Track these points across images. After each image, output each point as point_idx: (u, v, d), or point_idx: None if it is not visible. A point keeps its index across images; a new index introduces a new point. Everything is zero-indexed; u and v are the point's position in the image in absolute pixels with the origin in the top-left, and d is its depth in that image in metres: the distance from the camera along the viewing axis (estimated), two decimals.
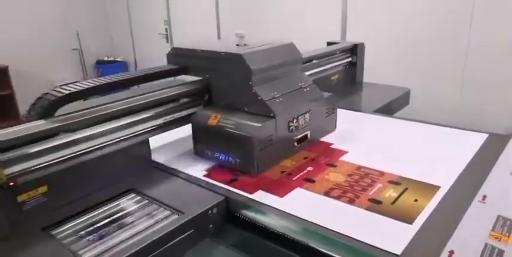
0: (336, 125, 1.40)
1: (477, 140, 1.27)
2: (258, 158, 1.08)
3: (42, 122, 0.94)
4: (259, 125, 1.07)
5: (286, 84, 1.22)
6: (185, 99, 1.25)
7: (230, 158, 1.12)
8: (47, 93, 1.01)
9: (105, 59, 5.05)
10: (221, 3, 3.74)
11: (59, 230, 0.90)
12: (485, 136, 1.30)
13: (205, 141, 1.18)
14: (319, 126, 1.31)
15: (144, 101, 1.13)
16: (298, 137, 1.21)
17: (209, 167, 1.15)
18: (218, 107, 1.22)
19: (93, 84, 1.07)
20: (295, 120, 1.18)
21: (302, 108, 1.21)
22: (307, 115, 1.22)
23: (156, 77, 1.24)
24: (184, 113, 1.23)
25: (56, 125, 0.94)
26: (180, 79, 1.34)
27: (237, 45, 1.25)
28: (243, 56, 1.12)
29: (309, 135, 1.26)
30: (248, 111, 1.15)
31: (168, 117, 1.19)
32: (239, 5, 3.62)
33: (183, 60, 1.29)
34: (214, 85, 1.24)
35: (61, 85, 1.07)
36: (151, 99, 1.15)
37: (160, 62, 1.39)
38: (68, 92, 1.00)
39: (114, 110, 1.06)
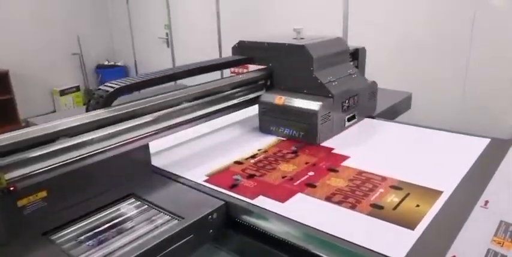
0: (375, 108, 1.61)
1: (479, 145, 1.26)
2: (321, 130, 1.30)
3: (42, 126, 0.94)
4: (321, 103, 1.29)
5: (339, 71, 1.44)
6: (252, 85, 1.46)
7: (294, 131, 1.34)
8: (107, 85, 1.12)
9: (106, 63, 5.06)
10: (222, 8, 3.75)
11: (59, 235, 0.89)
12: (488, 140, 1.29)
13: (271, 119, 1.40)
14: (363, 108, 1.52)
15: (216, 86, 1.34)
16: (349, 115, 1.44)
17: (209, 172, 1.15)
18: (279, 90, 1.44)
19: (162, 74, 1.23)
20: (347, 101, 1.40)
21: (352, 92, 1.42)
22: (355, 97, 1.44)
23: (225, 65, 1.50)
24: (251, 96, 1.45)
25: (56, 130, 0.94)
26: (181, 84, 1.46)
27: (295, 38, 1.47)
28: (306, 46, 1.35)
29: (356, 116, 1.47)
30: (307, 93, 1.36)
31: (241, 99, 1.42)
32: (240, 9, 3.64)
33: (248, 52, 1.51)
34: (276, 72, 1.47)
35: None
36: (225, 83, 1.38)
37: (161, 66, 1.40)
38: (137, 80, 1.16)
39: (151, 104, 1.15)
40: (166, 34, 4.37)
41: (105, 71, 4.98)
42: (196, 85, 1.32)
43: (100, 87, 1.12)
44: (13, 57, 4.19)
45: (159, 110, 1.16)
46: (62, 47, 4.65)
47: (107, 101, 1.08)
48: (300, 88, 1.39)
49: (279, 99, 1.36)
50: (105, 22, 5.06)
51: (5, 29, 4.16)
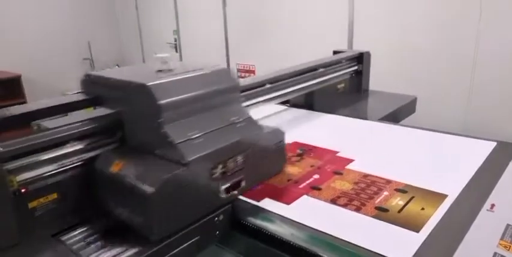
0: (284, 165, 1.17)
1: (485, 148, 1.26)
2: (161, 218, 0.84)
3: (53, 130, 0.96)
4: (165, 176, 0.83)
5: (213, 120, 1.00)
6: (92, 139, 0.99)
7: (131, 215, 0.89)
8: None
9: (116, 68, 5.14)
10: (229, 13, 3.80)
11: (69, 236, 0.91)
12: (494, 144, 1.29)
13: (107, 192, 0.95)
14: (258, 169, 1.07)
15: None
16: (227, 185, 0.97)
17: None
18: (129, 149, 0.99)
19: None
20: (220, 166, 0.95)
21: (232, 149, 0.97)
22: (239, 157, 0.99)
23: (61, 110, 1.03)
24: (89, 154, 0.97)
25: (66, 133, 0.96)
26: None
27: (159, 71, 1.03)
28: (150, 87, 0.89)
29: (243, 182, 1.02)
30: (160, 155, 0.92)
31: (67, 162, 0.95)
32: (247, 15, 3.67)
33: (96, 89, 1.06)
34: (127, 121, 0.99)
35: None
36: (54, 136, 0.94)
37: None
38: None
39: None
40: (175, 39, 4.43)
41: None
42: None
43: None
44: (25, 62, 4.28)
45: None
46: (73, 52, 4.75)
47: None
48: (152, 147, 0.93)
49: (116, 165, 0.91)
50: (115, 28, 5.15)
51: (18, 35, 4.27)
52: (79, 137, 0.97)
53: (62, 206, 0.94)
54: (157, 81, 0.92)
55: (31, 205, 0.90)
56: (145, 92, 0.90)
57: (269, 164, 1.12)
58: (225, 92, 1.07)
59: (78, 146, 0.97)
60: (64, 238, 0.91)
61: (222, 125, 1.01)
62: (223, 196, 0.97)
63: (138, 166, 0.90)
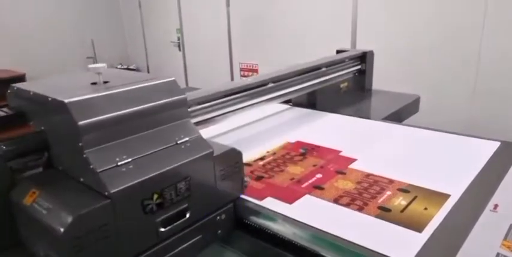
0: (244, 187, 1.03)
1: (489, 148, 1.25)
2: None
3: None
4: (80, 212, 0.70)
5: (151, 142, 0.85)
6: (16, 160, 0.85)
7: (51, 254, 0.76)
8: None
9: (119, 67, 5.15)
10: (232, 12, 3.79)
11: None
12: (497, 143, 1.28)
13: (23, 227, 0.82)
14: (208, 196, 0.93)
15: None
16: (165, 218, 0.84)
17: None
18: (53, 174, 0.85)
19: None
20: (155, 196, 0.81)
21: (171, 176, 0.83)
22: (181, 184, 0.85)
23: None
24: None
25: None
26: None
27: (94, 83, 0.89)
28: (68, 104, 0.75)
29: (188, 212, 0.88)
30: (84, 184, 0.79)
31: None
32: (250, 14, 3.67)
33: (21, 104, 0.91)
34: (51, 142, 0.86)
35: None
36: None
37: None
38: None
39: None
40: (178, 38, 4.44)
41: None
42: None
43: None
44: (30, 61, 4.30)
45: None
46: (77, 51, 4.77)
47: None
48: (76, 174, 0.81)
49: (31, 195, 0.78)
50: (119, 26, 5.17)
51: (22, 33, 4.29)
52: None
53: None
54: (79, 98, 0.78)
55: None
56: (64, 110, 0.76)
57: (222, 191, 0.96)
58: (169, 108, 0.90)
59: None
60: None
61: (161, 147, 0.86)
62: (162, 229, 0.84)
63: (55, 197, 0.75)
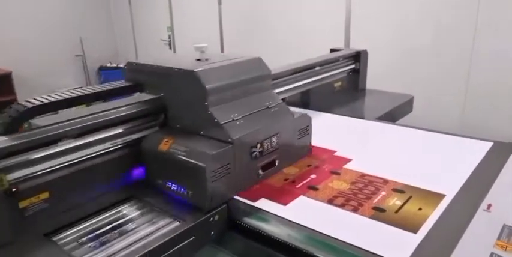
0: (310, 148, 1.27)
1: (482, 148, 1.26)
2: (212, 190, 0.94)
3: (46, 128, 0.94)
4: (214, 152, 0.93)
5: (251, 104, 1.10)
6: (138, 121, 1.09)
7: (183, 189, 0.98)
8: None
9: (108, 65, 5.08)
10: (224, 10, 3.77)
11: (60, 237, 0.89)
12: (490, 144, 1.29)
13: (156, 169, 1.04)
14: (289, 150, 1.17)
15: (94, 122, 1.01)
16: (263, 163, 1.08)
17: None
18: (173, 130, 1.09)
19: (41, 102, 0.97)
20: (259, 145, 1.05)
21: (268, 131, 1.08)
22: (274, 139, 1.09)
23: (108, 95, 1.10)
24: (134, 136, 1.08)
25: (59, 131, 0.94)
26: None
27: (198, 60, 1.13)
28: (197, 73, 1.00)
29: (276, 161, 1.12)
30: (205, 135, 1.03)
31: (118, 141, 1.05)
32: (242, 12, 3.65)
33: (138, 76, 1.16)
34: (170, 105, 1.10)
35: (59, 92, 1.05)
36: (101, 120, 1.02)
37: None
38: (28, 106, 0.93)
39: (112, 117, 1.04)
40: (169, 36, 4.39)
41: (107, 72, 5.00)
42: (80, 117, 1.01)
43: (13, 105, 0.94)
44: (16, 59, 4.21)
45: None
46: (65, 49, 4.68)
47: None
48: (197, 128, 1.04)
49: (165, 143, 1.01)
50: (108, 24, 5.08)
51: (9, 30, 4.19)
52: (122, 122, 1.06)
53: (54, 205, 0.92)
54: (203, 68, 1.03)
55: (22, 204, 0.88)
56: (193, 77, 1.00)
57: (297, 147, 1.21)
58: (260, 79, 1.17)
59: (120, 130, 1.06)
60: (56, 238, 0.89)
61: (258, 109, 1.11)
62: (261, 173, 1.08)
63: (188, 143, 0.98)
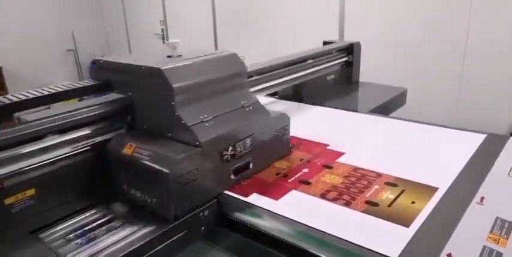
0: (290, 148, 1.22)
1: (475, 140, 1.25)
2: (177, 197, 0.87)
3: (30, 123, 0.92)
4: (179, 157, 0.87)
5: (223, 104, 1.04)
6: (103, 123, 1.03)
7: (146, 196, 0.92)
8: None
9: None
10: (217, 4, 3.72)
11: (47, 234, 0.88)
12: (484, 136, 1.28)
13: (120, 174, 0.98)
14: (265, 152, 1.11)
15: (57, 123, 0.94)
16: (236, 167, 1.02)
17: None
18: (140, 132, 1.02)
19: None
20: (230, 148, 0.99)
21: (241, 132, 1.02)
22: (248, 140, 1.03)
23: (69, 95, 1.03)
24: (99, 138, 1.00)
25: (44, 126, 0.92)
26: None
27: (169, 56, 1.07)
28: (164, 71, 0.93)
29: (251, 164, 1.06)
30: (172, 138, 0.96)
31: (80, 145, 0.98)
32: (236, 5, 3.61)
33: (105, 74, 1.09)
34: (137, 105, 1.03)
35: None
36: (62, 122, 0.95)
37: None
38: None
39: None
40: (162, 30, 4.34)
41: None
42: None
43: None
44: (6, 53, 4.14)
45: None
46: (56, 43, 4.61)
47: None
48: (164, 130, 0.98)
49: (129, 147, 0.94)
50: (100, 18, 5.01)
51: None
52: (87, 123, 0.99)
53: (41, 202, 0.90)
54: (171, 66, 0.96)
55: (7, 201, 0.86)
56: (159, 75, 0.93)
57: (274, 148, 1.16)
58: (234, 77, 1.10)
59: (86, 132, 0.99)
60: (43, 235, 0.87)
61: (231, 109, 1.04)
62: (233, 177, 1.02)
63: (153, 147, 0.92)
